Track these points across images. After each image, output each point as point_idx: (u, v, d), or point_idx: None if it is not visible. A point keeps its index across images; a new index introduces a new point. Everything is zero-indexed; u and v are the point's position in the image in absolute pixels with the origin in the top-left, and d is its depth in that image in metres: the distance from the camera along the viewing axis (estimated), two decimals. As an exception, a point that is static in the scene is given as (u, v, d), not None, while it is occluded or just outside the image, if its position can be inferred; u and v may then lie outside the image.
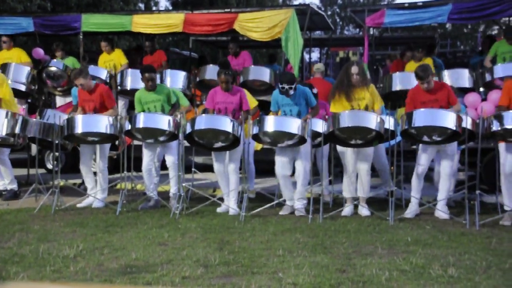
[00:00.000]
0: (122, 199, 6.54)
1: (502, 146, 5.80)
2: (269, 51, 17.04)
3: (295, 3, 26.28)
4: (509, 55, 7.94)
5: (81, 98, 6.92)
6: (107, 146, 6.98)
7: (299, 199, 6.35)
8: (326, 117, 6.19)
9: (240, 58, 9.13)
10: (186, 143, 6.54)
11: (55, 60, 9.12)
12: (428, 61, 8.47)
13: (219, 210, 6.46)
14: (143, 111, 6.68)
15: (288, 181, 6.37)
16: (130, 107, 9.26)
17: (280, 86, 6.20)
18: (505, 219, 5.77)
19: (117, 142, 7.26)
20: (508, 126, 5.50)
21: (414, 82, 7.39)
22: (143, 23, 9.06)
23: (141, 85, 8.53)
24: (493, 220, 5.77)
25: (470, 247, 4.82)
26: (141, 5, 20.73)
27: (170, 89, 6.96)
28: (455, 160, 6.64)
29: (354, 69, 6.10)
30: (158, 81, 7.12)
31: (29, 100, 9.37)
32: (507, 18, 9.85)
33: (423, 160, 6.09)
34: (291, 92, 6.19)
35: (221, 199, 6.63)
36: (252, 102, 7.09)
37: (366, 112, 5.97)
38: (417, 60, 8.46)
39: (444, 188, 6.09)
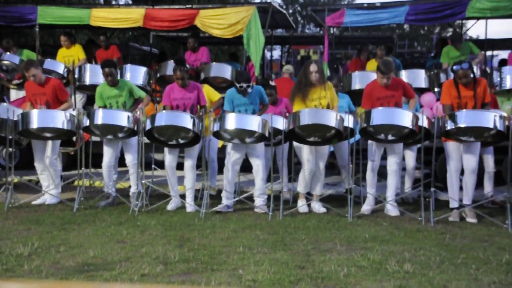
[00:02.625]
0: (80, 196, 6.41)
1: (449, 145, 5.98)
2: (230, 50, 16.98)
3: (257, 0, 26.27)
4: (459, 59, 8.20)
5: (30, 92, 6.69)
6: (58, 140, 6.82)
7: (259, 195, 6.38)
8: (287, 114, 6.23)
9: (198, 54, 9.07)
10: (146, 140, 6.46)
11: (8, 53, 8.83)
12: None
13: (169, 207, 6.41)
14: (105, 106, 6.59)
15: (234, 177, 6.44)
16: (88, 103, 9.08)
17: (238, 85, 6.22)
18: (453, 215, 5.95)
19: (74, 138, 7.10)
20: (461, 125, 5.67)
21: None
22: (102, 17, 8.89)
23: (100, 80, 8.37)
24: (447, 217, 5.94)
25: (425, 243, 4.95)
26: (101, -1, 20.31)
27: (131, 84, 6.86)
28: (413, 157, 6.80)
29: (313, 67, 6.16)
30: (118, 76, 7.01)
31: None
32: (460, 21, 10.18)
33: (374, 155, 6.23)
34: (249, 90, 6.22)
35: (183, 196, 6.58)
36: (215, 95, 7.07)
37: (326, 110, 6.04)
38: (378, 59, 8.63)
39: (392, 184, 6.23)
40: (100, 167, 6.72)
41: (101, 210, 6.33)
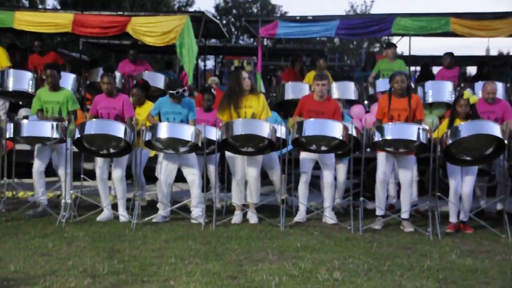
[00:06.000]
0: (1, 207, 6.08)
1: (380, 155, 6.20)
2: (164, 58, 16.81)
3: (190, 9, 26.24)
4: (387, 72, 8.59)
5: None
6: None
7: (197, 205, 6.33)
8: (220, 125, 6.23)
9: (137, 65, 8.93)
10: (75, 149, 6.26)
11: None
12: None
13: (99, 218, 6.23)
14: (41, 109, 6.41)
15: (169, 188, 6.38)
16: (11, 110, 8.67)
17: (174, 91, 6.16)
18: (377, 223, 6.17)
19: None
20: (388, 137, 5.91)
21: (306, 92, 7.70)
22: (27, 20, 8.54)
23: (25, 86, 8.01)
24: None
25: (354, 251, 5.09)
26: (26, 2, 19.56)
27: (72, 94, 6.62)
28: (344, 170, 6.98)
29: (245, 74, 6.25)
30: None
31: None
32: (386, 37, 10.66)
33: (306, 168, 6.37)
34: (185, 94, 6.20)
35: (115, 206, 6.41)
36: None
37: (259, 121, 6.10)
38: (319, 70, 8.82)
39: (328, 196, 6.38)
40: (24, 177, 6.43)
41: (25, 222, 6.04)
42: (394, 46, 8.88)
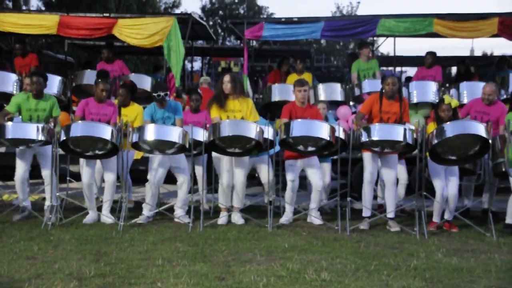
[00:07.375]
0: (-15, 211, 6.02)
1: (366, 156, 6.23)
2: (150, 60, 16.80)
3: (177, 11, 26.19)
4: (367, 72, 8.64)
5: None
6: None
7: (181, 206, 6.34)
8: (207, 125, 6.23)
9: (114, 65, 8.86)
10: (61, 151, 6.21)
11: None
12: (307, 75, 8.91)
13: (84, 220, 6.20)
14: (17, 114, 6.33)
15: (157, 190, 6.41)
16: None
17: (156, 94, 6.21)
18: (363, 224, 6.19)
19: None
20: (374, 138, 5.94)
21: (293, 93, 7.71)
22: (11, 22, 8.45)
23: (9, 87, 7.91)
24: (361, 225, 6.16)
25: (341, 251, 5.11)
26: (9, 3, 19.39)
27: (55, 100, 6.55)
28: (328, 170, 7.01)
29: (226, 78, 6.28)
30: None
31: None
32: (371, 38, 10.75)
33: (292, 175, 6.37)
34: (167, 98, 6.28)
35: (100, 208, 6.37)
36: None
37: (246, 122, 6.10)
38: (298, 73, 8.85)
39: (315, 199, 6.40)
40: (8, 179, 6.37)
41: (10, 225, 5.98)
42: (368, 45, 8.93)
